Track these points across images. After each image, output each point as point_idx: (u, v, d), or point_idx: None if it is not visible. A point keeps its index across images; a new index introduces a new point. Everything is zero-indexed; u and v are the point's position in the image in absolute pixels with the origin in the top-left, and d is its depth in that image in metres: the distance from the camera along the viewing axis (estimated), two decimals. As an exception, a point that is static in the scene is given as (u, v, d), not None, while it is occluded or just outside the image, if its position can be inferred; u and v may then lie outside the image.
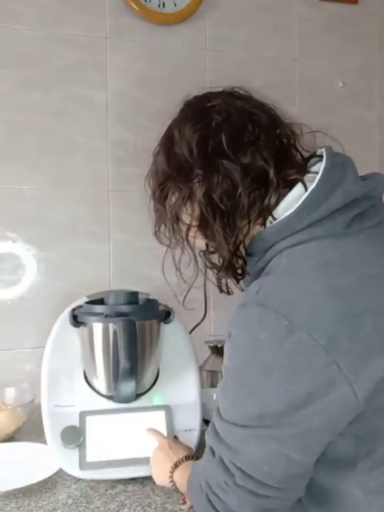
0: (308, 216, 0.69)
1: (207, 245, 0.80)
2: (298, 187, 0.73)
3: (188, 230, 0.79)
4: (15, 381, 1.40)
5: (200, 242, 0.80)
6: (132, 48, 1.60)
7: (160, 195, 0.81)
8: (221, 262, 0.78)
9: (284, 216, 0.71)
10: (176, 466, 0.92)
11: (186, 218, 0.79)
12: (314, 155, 0.78)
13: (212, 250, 0.79)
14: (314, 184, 0.71)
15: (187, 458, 0.94)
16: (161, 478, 0.95)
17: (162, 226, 0.84)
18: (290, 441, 0.64)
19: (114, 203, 1.57)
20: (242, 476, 0.68)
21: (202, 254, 0.83)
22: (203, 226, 0.76)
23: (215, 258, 0.80)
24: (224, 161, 0.73)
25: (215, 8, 1.67)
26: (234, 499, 0.70)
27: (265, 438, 0.65)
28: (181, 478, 0.89)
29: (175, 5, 1.61)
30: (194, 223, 0.78)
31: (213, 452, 0.73)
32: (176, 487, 0.91)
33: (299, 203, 0.70)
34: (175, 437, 1.05)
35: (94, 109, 1.56)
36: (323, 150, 0.76)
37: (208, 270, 0.83)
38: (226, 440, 0.70)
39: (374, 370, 0.61)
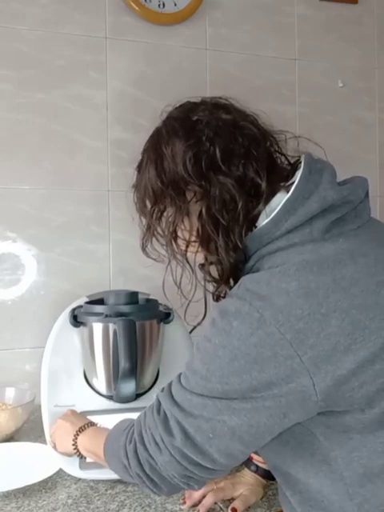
0: (286, 222, 0.71)
1: (206, 258, 0.80)
2: (279, 195, 0.74)
3: (187, 246, 0.80)
4: (15, 381, 1.40)
5: (199, 256, 0.81)
6: (132, 48, 1.60)
7: (155, 213, 0.82)
8: (221, 273, 0.78)
9: (263, 223, 0.73)
10: (81, 430, 0.95)
11: (182, 233, 0.80)
12: (299, 161, 0.79)
13: (211, 261, 0.80)
14: (290, 191, 0.72)
15: (92, 424, 0.97)
16: (64, 443, 0.97)
17: (150, 242, 0.85)
18: (243, 415, 0.66)
19: (114, 203, 1.57)
20: (184, 439, 0.69)
21: (200, 266, 0.83)
22: (205, 240, 0.77)
23: (212, 270, 0.80)
24: (220, 176, 0.75)
25: (215, 8, 1.67)
26: (164, 458, 0.71)
27: (221, 409, 0.67)
28: (87, 441, 0.93)
29: (175, 5, 1.61)
30: (194, 238, 0.79)
31: (159, 409, 0.74)
32: (79, 452, 0.94)
33: (276, 210, 0.72)
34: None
35: (94, 109, 1.56)
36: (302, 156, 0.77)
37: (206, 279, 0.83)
38: (180, 404, 0.71)
39: (337, 368, 0.64)
